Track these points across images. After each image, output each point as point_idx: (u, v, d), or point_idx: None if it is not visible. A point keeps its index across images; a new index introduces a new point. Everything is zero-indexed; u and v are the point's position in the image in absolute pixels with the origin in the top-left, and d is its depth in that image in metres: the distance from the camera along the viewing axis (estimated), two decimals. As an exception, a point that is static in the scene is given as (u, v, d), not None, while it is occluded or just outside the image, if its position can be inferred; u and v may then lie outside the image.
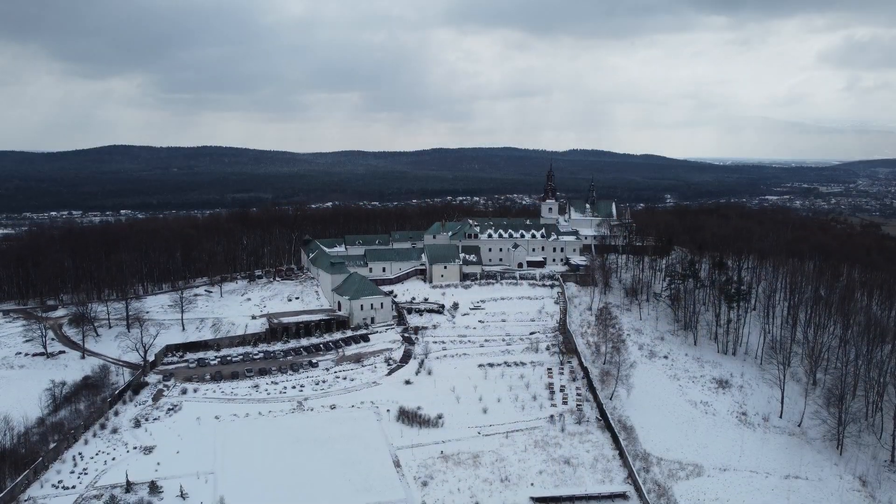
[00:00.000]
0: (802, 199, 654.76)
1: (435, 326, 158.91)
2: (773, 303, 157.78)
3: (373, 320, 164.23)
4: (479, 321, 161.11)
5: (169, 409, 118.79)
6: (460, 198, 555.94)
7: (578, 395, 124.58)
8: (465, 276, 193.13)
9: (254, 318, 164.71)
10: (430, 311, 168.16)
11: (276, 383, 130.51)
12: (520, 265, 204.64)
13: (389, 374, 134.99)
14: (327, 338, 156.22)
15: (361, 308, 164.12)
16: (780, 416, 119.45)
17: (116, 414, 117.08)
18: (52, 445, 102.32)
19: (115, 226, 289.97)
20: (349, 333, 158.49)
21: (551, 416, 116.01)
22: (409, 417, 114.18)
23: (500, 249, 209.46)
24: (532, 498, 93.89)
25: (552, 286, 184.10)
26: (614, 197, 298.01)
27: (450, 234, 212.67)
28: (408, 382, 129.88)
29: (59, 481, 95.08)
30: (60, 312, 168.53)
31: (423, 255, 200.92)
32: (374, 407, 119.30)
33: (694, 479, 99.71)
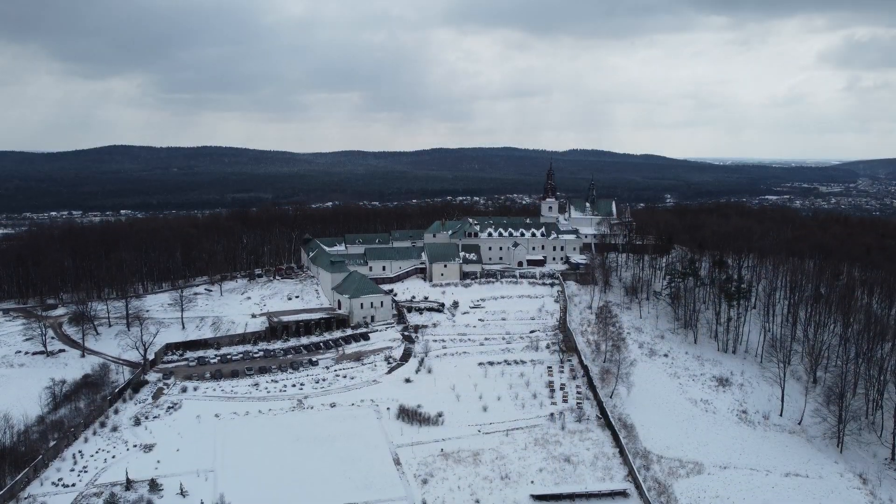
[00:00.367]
0: (802, 199, 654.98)
1: (435, 325, 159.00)
2: (773, 301, 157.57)
3: (373, 319, 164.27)
4: (479, 320, 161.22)
5: (169, 408, 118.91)
6: (460, 198, 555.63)
7: (578, 393, 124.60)
8: (465, 275, 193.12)
9: (254, 316, 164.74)
10: (430, 309, 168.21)
11: (276, 381, 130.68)
12: (520, 264, 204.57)
13: (389, 372, 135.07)
14: (327, 336, 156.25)
15: (361, 306, 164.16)
16: (781, 415, 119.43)
17: (116, 412, 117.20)
18: (52, 443, 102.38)
19: (115, 225, 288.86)
20: (349, 332, 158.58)
21: (551, 414, 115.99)
22: (409, 415, 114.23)
23: (500, 248, 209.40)
24: (532, 496, 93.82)
25: (552, 285, 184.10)
26: (614, 197, 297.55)
27: (450, 232, 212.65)
28: (408, 381, 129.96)
29: (59, 479, 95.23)
30: (60, 311, 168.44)
31: (423, 254, 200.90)
32: (374, 405, 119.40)
33: (694, 477, 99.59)
